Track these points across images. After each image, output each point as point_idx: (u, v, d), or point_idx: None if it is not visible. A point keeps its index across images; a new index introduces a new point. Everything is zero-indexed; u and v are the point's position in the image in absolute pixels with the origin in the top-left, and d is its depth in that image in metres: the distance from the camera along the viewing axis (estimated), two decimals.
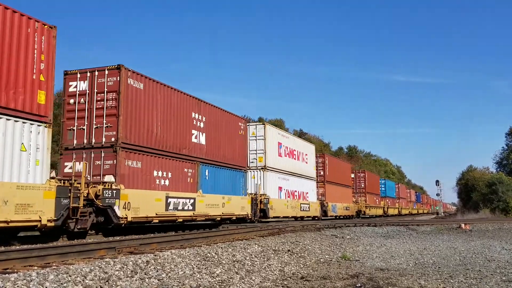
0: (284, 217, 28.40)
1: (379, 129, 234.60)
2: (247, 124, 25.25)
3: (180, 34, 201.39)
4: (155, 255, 8.31)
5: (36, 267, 6.89)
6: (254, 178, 25.16)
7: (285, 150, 28.83)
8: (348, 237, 16.76)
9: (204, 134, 18.94)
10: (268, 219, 25.66)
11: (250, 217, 22.27)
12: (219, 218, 19.65)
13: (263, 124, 26.32)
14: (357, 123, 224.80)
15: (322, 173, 37.57)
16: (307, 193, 32.51)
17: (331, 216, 37.67)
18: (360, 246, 14.39)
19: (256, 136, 25.75)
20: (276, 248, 11.72)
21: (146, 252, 8.90)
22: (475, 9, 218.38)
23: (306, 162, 33.28)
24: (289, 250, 11.63)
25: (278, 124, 68.40)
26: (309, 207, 32.05)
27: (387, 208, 61.60)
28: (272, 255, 10.68)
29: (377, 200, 57.26)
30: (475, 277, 8.52)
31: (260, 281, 7.91)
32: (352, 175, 50.56)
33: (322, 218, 35.35)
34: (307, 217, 32.67)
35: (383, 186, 62.34)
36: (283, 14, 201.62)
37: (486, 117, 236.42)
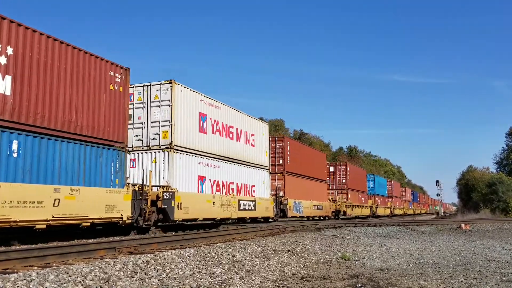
0: (205, 219, 19.59)
1: (379, 129, 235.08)
2: (149, 84, 18.00)
3: (179, 35, 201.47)
4: (155, 255, 8.31)
5: (36, 267, 6.89)
6: (155, 162, 17.33)
7: (213, 125, 20.50)
8: (348, 237, 16.75)
9: (9, 77, 11.21)
10: (174, 223, 17.63)
11: (131, 221, 14.32)
12: (44, 226, 11.42)
13: (170, 83, 17.71)
14: (357, 123, 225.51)
15: (281, 161, 29.57)
16: (253, 186, 24.01)
17: (293, 217, 30.25)
18: (360, 246, 14.39)
19: (160, 101, 17.67)
20: (276, 248, 11.72)
21: (146, 252, 8.91)
22: (475, 9, 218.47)
23: (253, 145, 24.54)
24: (289, 250, 11.63)
25: (278, 124, 66.92)
26: (254, 205, 23.53)
27: (376, 207, 54.24)
28: (272, 255, 10.68)
29: (363, 199, 50.09)
30: (475, 277, 8.52)
31: (260, 281, 7.92)
32: (332, 169, 44.77)
33: (279, 219, 27.82)
34: (252, 218, 23.94)
35: (371, 182, 55.25)
36: (283, 15, 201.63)
37: (486, 117, 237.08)
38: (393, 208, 64.22)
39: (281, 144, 30.20)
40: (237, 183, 22.43)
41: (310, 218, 34.99)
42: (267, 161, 26.48)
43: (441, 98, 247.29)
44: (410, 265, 10.50)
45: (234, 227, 18.68)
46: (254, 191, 24.20)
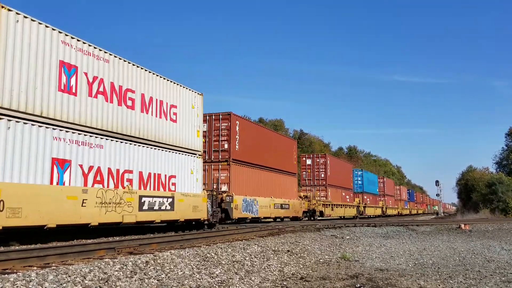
0: (62, 225, 11.72)
1: (379, 129, 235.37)
2: None
3: (179, 35, 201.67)
4: (155, 256, 8.31)
5: (35, 268, 6.89)
6: None
7: (91, 84, 13.53)
8: (347, 237, 16.76)
9: None
10: None
11: None
12: None
13: None
14: (357, 123, 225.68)
15: (226, 146, 22.95)
16: (172, 177, 16.82)
17: (242, 218, 23.31)
18: (360, 246, 14.39)
19: None
20: (276, 248, 11.72)
21: (145, 253, 8.91)
22: (475, 9, 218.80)
23: (174, 120, 17.36)
24: (288, 251, 11.63)
25: (278, 124, 66.60)
26: (172, 204, 16.37)
27: (364, 207, 48.55)
28: (272, 255, 10.68)
29: (347, 197, 44.07)
30: (474, 277, 8.52)
31: (260, 282, 7.92)
32: (309, 161, 38.84)
33: (220, 221, 20.83)
34: (167, 221, 16.68)
35: (359, 178, 49.61)
36: (283, 15, 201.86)
37: (486, 117, 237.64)
38: (385, 208, 59.07)
39: (226, 124, 23.09)
40: (140, 172, 15.36)
41: (278, 220, 28.60)
42: (199, 144, 18.93)
43: (441, 98, 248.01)
44: (410, 265, 10.50)
45: (234, 227, 18.71)
46: (173, 184, 17.04)
